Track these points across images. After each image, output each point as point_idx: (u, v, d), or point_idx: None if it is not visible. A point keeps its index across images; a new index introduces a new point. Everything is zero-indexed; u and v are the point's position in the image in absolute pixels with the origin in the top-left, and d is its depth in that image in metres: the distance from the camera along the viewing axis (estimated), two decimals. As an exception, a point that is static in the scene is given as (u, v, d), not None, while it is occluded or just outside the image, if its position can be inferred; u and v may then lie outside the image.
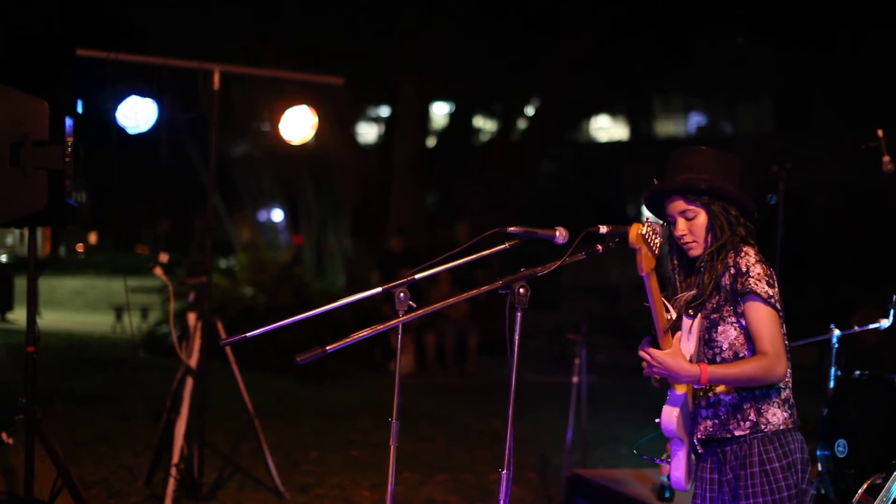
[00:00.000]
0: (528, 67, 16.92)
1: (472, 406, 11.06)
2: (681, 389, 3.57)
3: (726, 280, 3.54)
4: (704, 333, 3.60)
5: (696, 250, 3.64)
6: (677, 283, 3.74)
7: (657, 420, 3.64)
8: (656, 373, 3.50)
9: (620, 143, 28.39)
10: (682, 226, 3.65)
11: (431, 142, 19.69)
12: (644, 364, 3.53)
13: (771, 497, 3.51)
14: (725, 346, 3.57)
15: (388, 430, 3.50)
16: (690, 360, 3.52)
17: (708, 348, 3.60)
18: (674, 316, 3.54)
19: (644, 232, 3.24)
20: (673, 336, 3.52)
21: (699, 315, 3.59)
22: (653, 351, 3.46)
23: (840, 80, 17.12)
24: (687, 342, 3.57)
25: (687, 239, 3.64)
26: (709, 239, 3.62)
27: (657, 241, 3.31)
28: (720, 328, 3.58)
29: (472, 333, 13.68)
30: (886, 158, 5.80)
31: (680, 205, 3.64)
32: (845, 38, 16.01)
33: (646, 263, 3.29)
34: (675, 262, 3.76)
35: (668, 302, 3.63)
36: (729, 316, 3.56)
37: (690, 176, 3.62)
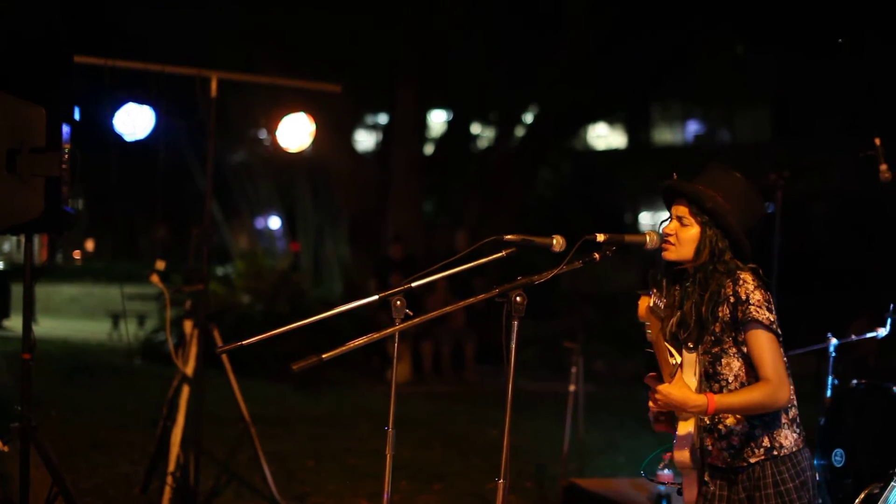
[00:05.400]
0: (527, 76, 16.93)
1: (469, 414, 11.04)
2: (684, 429, 3.60)
3: (725, 310, 3.54)
4: (708, 368, 3.60)
5: (671, 255, 3.65)
6: (663, 287, 3.74)
7: (668, 454, 3.68)
8: (662, 407, 3.52)
9: (618, 151, 28.38)
10: (672, 226, 3.67)
11: (429, 149, 19.68)
12: (650, 401, 3.56)
13: None
14: (731, 378, 3.58)
15: (384, 439, 3.49)
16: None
17: (714, 382, 3.60)
18: (679, 361, 3.55)
19: (652, 304, 3.35)
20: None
21: (699, 349, 3.60)
22: (659, 386, 3.49)
23: (839, 87, 17.13)
24: (688, 377, 3.60)
25: (671, 240, 3.65)
26: (689, 252, 3.62)
27: (661, 303, 3.44)
28: (724, 361, 3.58)
29: (470, 341, 13.66)
30: (884, 167, 5.80)
31: (682, 209, 3.65)
32: (845, 46, 16.02)
33: (653, 331, 3.40)
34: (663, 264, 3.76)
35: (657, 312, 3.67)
36: (730, 347, 3.57)
37: (707, 190, 3.61)
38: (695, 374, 3.58)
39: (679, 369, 3.54)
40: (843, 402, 5.81)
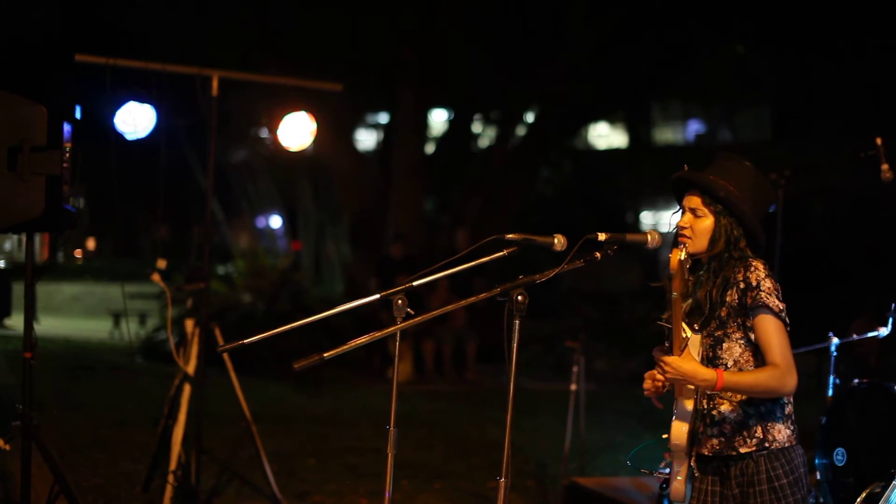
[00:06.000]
0: (528, 75, 16.93)
1: (470, 413, 11.04)
2: (689, 404, 3.58)
3: (734, 294, 3.54)
4: (709, 351, 3.60)
5: (689, 249, 3.65)
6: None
7: (664, 436, 3.65)
8: (670, 378, 3.51)
9: (619, 150, 28.38)
10: (686, 219, 3.68)
11: (430, 148, 19.67)
12: (656, 372, 3.54)
13: None
14: (731, 363, 3.58)
15: (385, 437, 3.49)
16: None
17: (712, 366, 3.60)
18: (689, 335, 3.55)
19: (683, 258, 3.30)
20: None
21: (703, 333, 3.60)
22: (667, 357, 3.46)
23: (840, 87, 17.13)
24: (694, 356, 3.59)
25: (686, 233, 3.65)
26: (704, 244, 3.63)
27: (688, 264, 3.42)
28: (725, 345, 3.58)
29: (471, 340, 13.66)
30: (885, 167, 5.81)
31: (695, 200, 3.66)
32: (845, 46, 16.03)
33: (678, 287, 3.35)
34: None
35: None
36: (734, 332, 3.57)
37: (718, 180, 3.62)
38: (698, 355, 3.57)
39: (688, 345, 3.53)
40: (845, 402, 5.82)
